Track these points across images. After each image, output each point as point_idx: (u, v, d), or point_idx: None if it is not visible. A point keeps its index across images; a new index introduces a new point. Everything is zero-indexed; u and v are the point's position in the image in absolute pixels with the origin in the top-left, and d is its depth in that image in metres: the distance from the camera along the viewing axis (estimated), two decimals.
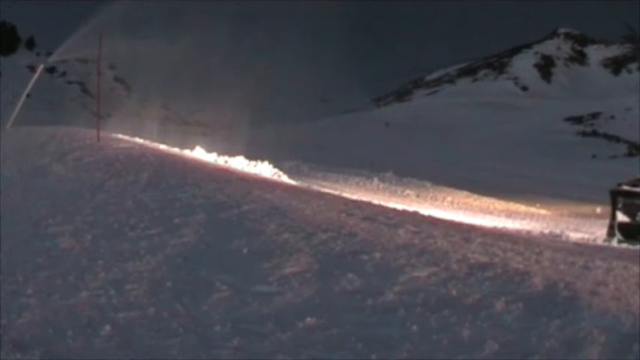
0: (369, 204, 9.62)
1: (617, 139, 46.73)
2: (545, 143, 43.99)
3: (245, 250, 5.82)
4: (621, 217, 10.68)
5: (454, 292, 4.91)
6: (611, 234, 10.61)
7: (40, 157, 10.31)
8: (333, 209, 7.62)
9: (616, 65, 74.60)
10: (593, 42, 80.00)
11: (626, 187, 10.87)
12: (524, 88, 70.60)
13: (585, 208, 15.88)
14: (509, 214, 14.72)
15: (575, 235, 10.88)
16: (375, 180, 17.85)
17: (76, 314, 4.49)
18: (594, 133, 49.57)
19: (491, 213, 14.85)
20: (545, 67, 75.14)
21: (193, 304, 4.73)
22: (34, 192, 8.14)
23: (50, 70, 58.48)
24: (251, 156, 14.78)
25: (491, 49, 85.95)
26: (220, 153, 14.46)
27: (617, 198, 10.82)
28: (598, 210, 14.59)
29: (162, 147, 13.57)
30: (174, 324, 4.40)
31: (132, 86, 64.43)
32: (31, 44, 68.92)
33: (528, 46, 79.03)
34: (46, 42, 65.85)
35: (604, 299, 4.85)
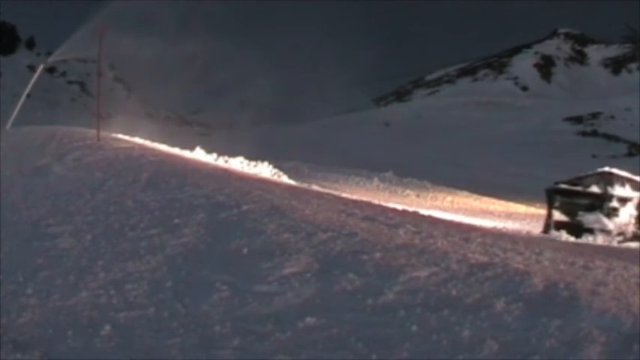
0: (369, 204, 9.60)
1: (617, 139, 46.77)
2: (545, 143, 44.03)
3: (245, 250, 5.81)
4: (558, 215, 10.75)
5: (454, 292, 4.91)
6: (547, 232, 10.70)
7: (40, 157, 10.32)
8: (333, 209, 7.61)
9: (616, 65, 74.67)
10: (593, 42, 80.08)
11: (563, 186, 10.93)
12: (524, 88, 70.66)
13: None
14: (509, 214, 14.73)
15: None
16: (375, 180, 17.85)
17: (76, 314, 4.50)
18: (594, 133, 49.61)
19: (491, 213, 14.86)
20: (545, 67, 75.24)
21: (193, 304, 4.73)
22: (34, 192, 8.14)
23: (50, 70, 58.53)
24: (251, 156, 14.78)
25: (491, 49, 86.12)
26: (220, 153, 14.46)
27: (553, 197, 10.88)
28: None
29: (163, 147, 13.56)
30: (174, 324, 4.40)
31: (132, 86, 64.51)
32: (31, 44, 68.94)
33: (528, 46, 79.12)
34: (46, 42, 66.01)
35: (604, 299, 4.84)
